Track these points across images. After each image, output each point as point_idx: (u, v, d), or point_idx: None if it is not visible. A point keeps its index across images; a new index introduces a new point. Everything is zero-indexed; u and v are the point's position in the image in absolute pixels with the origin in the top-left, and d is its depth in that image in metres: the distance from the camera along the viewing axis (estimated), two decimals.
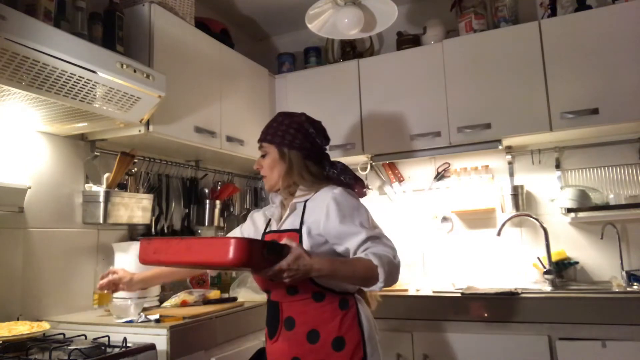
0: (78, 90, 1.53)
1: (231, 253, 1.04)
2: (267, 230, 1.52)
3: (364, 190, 1.53)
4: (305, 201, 1.42)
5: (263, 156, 1.50)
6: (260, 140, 1.51)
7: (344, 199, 1.35)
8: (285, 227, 1.43)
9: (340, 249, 1.33)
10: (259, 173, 1.53)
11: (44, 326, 1.55)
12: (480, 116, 2.41)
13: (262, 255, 1.09)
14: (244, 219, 2.94)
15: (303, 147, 1.46)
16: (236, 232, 1.67)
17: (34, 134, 1.86)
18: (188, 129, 2.14)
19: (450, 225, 2.75)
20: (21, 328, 1.50)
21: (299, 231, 1.36)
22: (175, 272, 1.65)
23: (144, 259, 1.27)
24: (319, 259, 1.20)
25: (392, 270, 1.25)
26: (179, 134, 2.09)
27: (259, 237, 1.52)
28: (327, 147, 1.55)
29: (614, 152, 2.47)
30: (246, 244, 1.06)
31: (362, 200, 1.43)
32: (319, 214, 1.35)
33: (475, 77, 2.44)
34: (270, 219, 1.54)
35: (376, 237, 1.30)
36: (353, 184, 1.48)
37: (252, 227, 1.62)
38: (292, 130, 1.46)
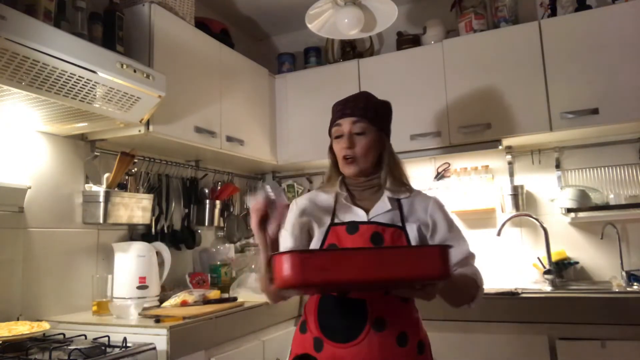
0: (78, 90, 1.53)
1: (442, 264, 0.90)
2: (337, 221, 1.30)
3: None
4: (400, 199, 1.30)
5: (359, 134, 1.28)
6: (360, 116, 1.29)
7: (445, 207, 1.33)
8: (382, 219, 1.26)
9: None
10: (349, 153, 1.28)
11: (44, 326, 1.55)
12: (480, 116, 2.41)
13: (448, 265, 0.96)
14: (244, 219, 2.98)
15: (389, 137, 1.37)
16: (288, 232, 1.35)
17: (34, 134, 1.86)
18: (188, 129, 2.14)
19: None
20: (21, 328, 1.50)
21: (402, 229, 1.26)
22: None
23: (303, 280, 0.93)
24: None
25: (482, 293, 1.26)
26: (179, 134, 2.09)
27: (323, 225, 1.31)
28: None
29: (614, 152, 2.47)
30: (446, 252, 0.93)
31: None
32: (422, 217, 1.28)
33: (475, 77, 2.44)
34: (335, 207, 1.32)
35: (470, 258, 1.29)
36: None
37: (314, 217, 1.33)
38: (386, 116, 1.36)
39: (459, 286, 1.21)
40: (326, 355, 1.19)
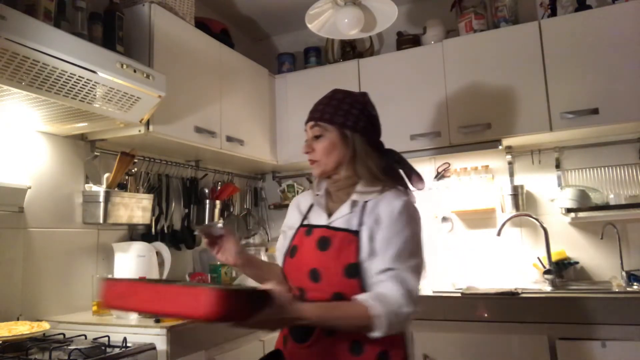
0: (78, 90, 1.53)
1: (206, 307, 0.89)
2: (305, 222, 1.32)
3: (423, 183, 1.34)
4: (367, 200, 1.23)
5: (317, 137, 1.28)
6: (315, 119, 1.29)
7: (406, 215, 1.18)
8: (338, 224, 1.23)
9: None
10: (310, 156, 1.31)
11: (43, 326, 1.55)
12: (480, 116, 2.41)
13: (245, 307, 0.96)
14: (244, 219, 2.99)
15: (366, 131, 1.28)
16: (284, 232, 1.40)
17: (34, 134, 1.86)
18: (188, 129, 2.14)
19: (450, 225, 2.75)
20: (21, 328, 1.50)
21: (356, 234, 1.18)
22: (273, 273, 1.36)
23: (107, 304, 1.08)
24: (308, 305, 1.08)
25: (395, 321, 1.08)
26: (179, 134, 2.09)
27: (294, 226, 1.33)
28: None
29: (614, 152, 2.47)
30: (226, 296, 0.90)
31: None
32: (378, 219, 1.19)
33: (475, 77, 2.44)
34: (309, 208, 1.34)
35: (400, 271, 1.12)
36: (410, 174, 1.33)
37: (293, 218, 1.38)
38: (355, 110, 1.28)
39: (335, 319, 1.10)
40: (288, 352, 1.23)
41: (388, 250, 1.14)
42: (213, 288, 0.91)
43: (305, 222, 1.31)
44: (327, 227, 1.24)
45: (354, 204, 1.24)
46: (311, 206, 1.35)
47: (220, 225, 1.31)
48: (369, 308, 1.06)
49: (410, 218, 1.19)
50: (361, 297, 1.10)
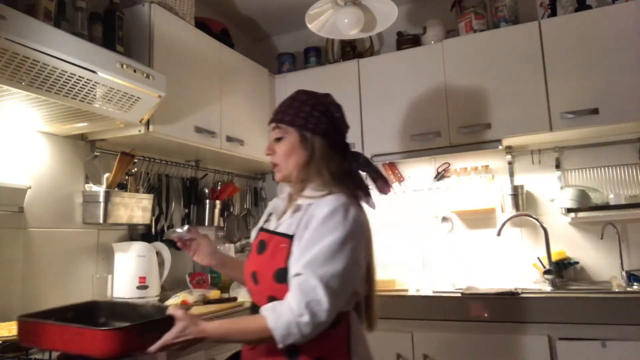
0: (78, 90, 1.53)
1: (102, 345, 0.96)
2: (264, 226, 1.32)
3: (389, 187, 1.34)
4: (310, 204, 1.19)
5: (278, 140, 1.26)
6: (276, 121, 1.26)
7: (333, 219, 1.11)
8: (280, 229, 1.22)
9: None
10: (271, 160, 1.29)
11: None
12: (480, 116, 2.41)
13: (142, 339, 1.01)
14: (244, 219, 2.99)
15: (328, 134, 1.25)
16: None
17: (34, 134, 1.86)
18: (188, 129, 2.14)
19: (450, 225, 2.75)
20: None
21: (291, 238, 1.16)
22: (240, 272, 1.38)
23: (23, 340, 1.13)
24: (210, 323, 1.11)
25: (293, 332, 1.04)
26: (179, 134, 2.09)
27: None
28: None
29: (614, 152, 2.47)
30: (117, 335, 0.97)
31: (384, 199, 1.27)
32: (309, 222, 1.15)
33: (474, 77, 2.44)
34: (272, 212, 1.34)
35: (308, 277, 1.06)
36: (376, 179, 1.31)
37: (264, 218, 1.39)
38: (316, 112, 1.25)
39: (237, 334, 1.12)
40: (242, 354, 1.28)
41: (303, 255, 1.10)
42: (107, 329, 1.00)
43: (264, 226, 1.31)
44: (266, 230, 1.25)
45: (298, 208, 1.20)
46: (274, 210, 1.35)
47: (186, 228, 1.33)
48: (265, 319, 1.05)
49: (338, 224, 1.11)
50: (265, 307, 1.09)
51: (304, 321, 1.03)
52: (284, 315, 1.04)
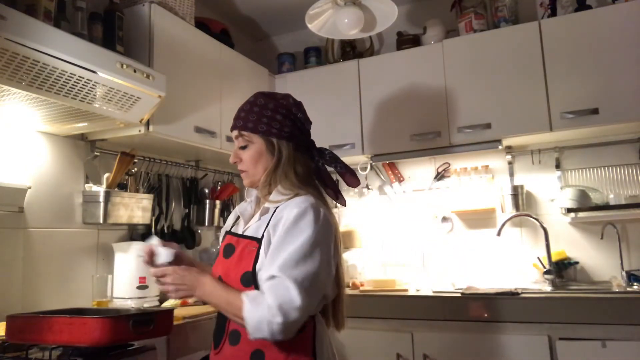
0: (78, 90, 1.53)
1: (92, 334, 0.98)
2: (232, 230, 1.32)
3: (358, 180, 1.35)
4: (277, 207, 1.19)
5: (243, 147, 1.26)
6: (238, 128, 1.25)
7: (303, 221, 1.12)
8: (248, 232, 1.22)
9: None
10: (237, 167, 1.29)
11: None
12: (480, 116, 2.41)
13: (134, 330, 1.05)
14: None
15: (292, 136, 1.25)
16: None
17: (34, 134, 1.86)
18: (188, 129, 2.14)
19: (450, 225, 2.75)
20: None
21: (260, 241, 1.16)
22: None
23: (10, 338, 1.14)
24: (209, 279, 1.14)
25: (263, 329, 1.04)
26: (179, 134, 2.09)
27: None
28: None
29: (614, 152, 2.47)
30: (107, 324, 1.00)
31: (350, 202, 1.27)
32: (277, 225, 1.15)
33: (475, 77, 2.44)
34: (239, 216, 1.33)
35: (283, 279, 1.06)
36: (344, 173, 1.31)
37: (231, 222, 1.39)
38: (279, 116, 1.24)
39: (218, 300, 1.13)
40: (210, 357, 1.27)
41: (276, 257, 1.10)
42: (99, 318, 1.02)
43: (232, 229, 1.31)
44: (234, 234, 1.25)
45: (265, 211, 1.21)
46: (241, 213, 1.34)
47: (165, 255, 1.22)
48: (243, 306, 1.07)
49: (308, 224, 1.11)
50: (249, 293, 1.09)
51: (276, 321, 1.03)
52: (259, 310, 1.05)
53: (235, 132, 1.27)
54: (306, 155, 1.28)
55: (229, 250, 1.22)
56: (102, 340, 0.98)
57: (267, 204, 1.22)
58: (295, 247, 1.09)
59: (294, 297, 1.05)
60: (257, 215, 1.24)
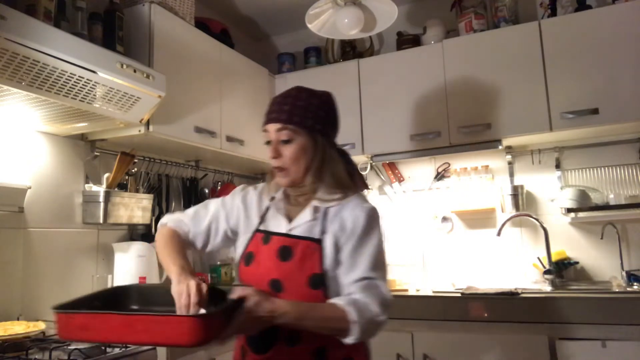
0: (78, 90, 1.53)
1: (188, 334, 0.87)
2: (261, 228, 1.23)
3: (365, 185, 1.33)
4: (328, 207, 1.18)
5: (286, 142, 1.18)
6: (283, 121, 1.17)
7: (373, 223, 1.16)
8: (299, 232, 1.17)
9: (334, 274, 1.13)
10: (278, 163, 1.20)
11: (39, 326, 1.55)
12: (480, 116, 2.41)
13: (222, 324, 0.93)
14: None
15: (331, 134, 1.22)
16: (216, 208, 1.31)
17: (34, 134, 1.86)
18: (188, 129, 2.14)
19: (450, 225, 2.75)
20: (17, 328, 1.50)
21: (319, 242, 1.14)
22: None
23: (66, 335, 1.00)
24: (284, 301, 1.04)
25: (370, 329, 1.07)
26: (179, 134, 2.09)
27: (249, 229, 1.26)
28: None
29: (614, 152, 2.47)
30: (205, 322, 0.88)
31: None
32: (342, 228, 1.15)
33: (475, 77, 2.44)
34: (266, 211, 1.26)
35: (375, 280, 1.11)
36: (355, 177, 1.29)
37: (243, 213, 1.28)
38: (322, 112, 1.20)
39: (312, 319, 1.05)
40: None
41: (361, 259, 1.12)
42: (195, 316, 0.91)
43: (262, 228, 1.23)
44: (287, 235, 1.18)
45: (316, 210, 1.18)
46: (267, 209, 1.27)
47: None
48: (347, 313, 1.04)
49: (377, 225, 1.16)
50: (338, 301, 1.07)
51: (380, 320, 1.08)
52: (366, 313, 1.05)
53: (277, 126, 1.18)
54: (339, 155, 1.26)
55: (285, 252, 1.15)
56: (199, 340, 0.88)
57: (316, 203, 1.18)
58: (374, 248, 1.13)
59: (387, 295, 1.11)
60: (306, 215, 1.19)
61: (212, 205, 1.33)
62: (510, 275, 2.54)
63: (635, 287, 2.15)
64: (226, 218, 1.29)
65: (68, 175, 1.98)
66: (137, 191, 2.17)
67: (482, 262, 2.65)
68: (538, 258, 2.48)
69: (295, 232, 1.18)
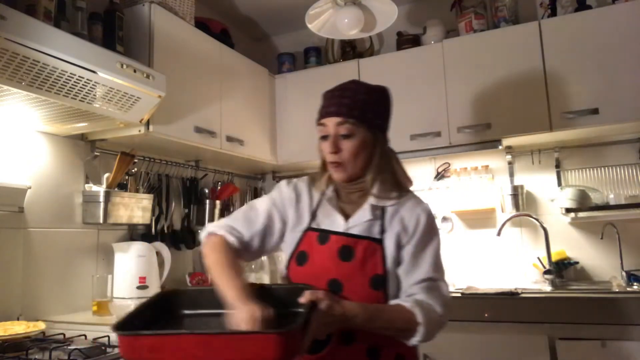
0: (78, 90, 1.53)
1: (274, 352, 0.82)
2: (314, 226, 1.19)
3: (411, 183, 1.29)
4: (385, 206, 1.16)
5: (345, 136, 1.14)
6: (345, 115, 1.13)
7: (433, 223, 1.18)
8: (357, 231, 1.15)
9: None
10: (334, 157, 1.15)
11: (39, 326, 1.55)
12: (480, 116, 2.41)
13: (303, 336, 0.89)
14: None
15: (387, 130, 1.20)
16: (268, 208, 1.24)
17: (34, 134, 1.86)
18: (188, 129, 2.14)
19: (450, 225, 2.75)
20: (17, 328, 1.50)
21: (380, 242, 1.13)
22: None
23: (131, 357, 0.92)
24: (352, 303, 1.02)
25: (434, 330, 1.07)
26: (179, 134, 2.09)
27: (298, 226, 1.21)
28: None
29: (614, 152, 2.47)
30: (290, 337, 0.84)
31: None
32: (402, 227, 1.14)
33: (475, 77, 2.44)
34: (317, 207, 1.21)
35: (437, 281, 1.12)
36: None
37: (294, 207, 1.23)
38: (381, 107, 1.18)
39: (381, 321, 1.05)
40: None
41: (423, 260, 1.14)
42: (279, 332, 0.86)
43: (314, 226, 1.19)
44: (346, 234, 1.14)
45: (374, 208, 1.16)
46: (318, 205, 1.22)
47: None
48: (415, 315, 1.04)
49: (436, 226, 1.20)
50: (403, 302, 1.07)
51: (445, 321, 1.10)
52: (432, 314, 1.07)
53: (337, 119, 1.14)
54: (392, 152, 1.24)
55: (346, 252, 1.12)
56: (285, 356, 0.84)
57: (374, 201, 1.16)
58: (435, 249, 1.16)
59: (448, 296, 1.13)
60: (364, 213, 1.16)
61: (261, 205, 1.26)
62: (510, 275, 2.54)
63: (635, 287, 2.15)
64: (280, 217, 1.23)
65: (68, 175, 1.98)
66: (137, 191, 2.17)
67: (482, 262, 2.65)
68: (538, 258, 2.48)
69: (353, 231, 1.15)
